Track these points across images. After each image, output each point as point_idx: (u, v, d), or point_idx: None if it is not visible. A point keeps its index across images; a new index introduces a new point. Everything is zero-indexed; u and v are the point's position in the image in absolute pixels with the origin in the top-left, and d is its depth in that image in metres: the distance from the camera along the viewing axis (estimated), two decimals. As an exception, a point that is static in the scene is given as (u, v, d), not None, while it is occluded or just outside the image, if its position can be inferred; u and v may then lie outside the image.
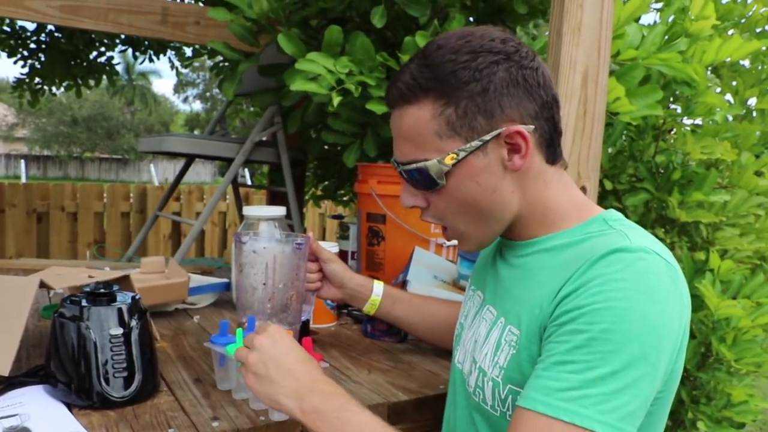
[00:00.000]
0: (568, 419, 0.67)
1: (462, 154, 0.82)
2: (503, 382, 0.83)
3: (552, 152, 0.86)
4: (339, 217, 2.17)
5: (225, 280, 1.73)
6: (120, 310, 1.02)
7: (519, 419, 0.72)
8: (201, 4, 3.39)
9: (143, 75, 32.72)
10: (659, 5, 1.68)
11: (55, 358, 1.01)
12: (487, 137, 0.81)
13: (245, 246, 1.18)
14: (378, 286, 1.26)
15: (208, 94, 32.71)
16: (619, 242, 0.75)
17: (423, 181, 0.86)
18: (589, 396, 0.68)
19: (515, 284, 0.88)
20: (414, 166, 0.85)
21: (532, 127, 0.82)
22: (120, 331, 1.01)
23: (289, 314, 1.22)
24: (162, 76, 38.28)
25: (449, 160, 0.82)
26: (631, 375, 0.68)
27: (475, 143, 0.81)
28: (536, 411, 0.70)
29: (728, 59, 1.56)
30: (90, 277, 1.27)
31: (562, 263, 0.80)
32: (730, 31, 1.84)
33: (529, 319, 0.80)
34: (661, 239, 1.53)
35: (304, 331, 1.32)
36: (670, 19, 1.57)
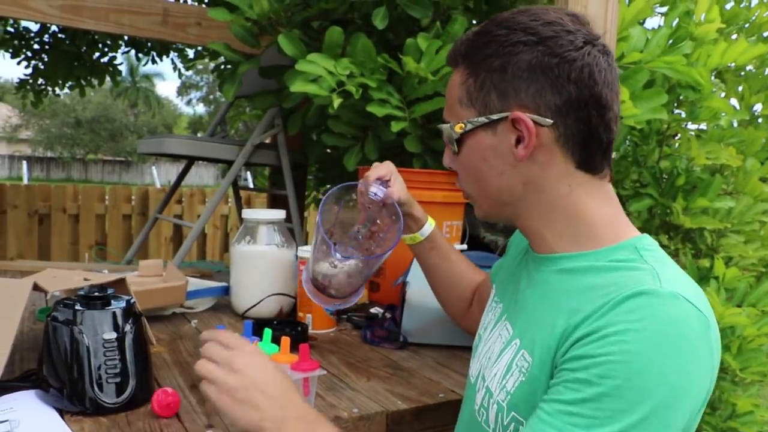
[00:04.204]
0: None
1: (469, 126, 0.83)
2: (507, 408, 0.78)
3: (585, 157, 0.79)
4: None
5: (224, 283, 1.71)
6: (114, 314, 1.00)
7: None
8: (204, 4, 3.38)
9: (147, 77, 32.87)
10: (664, 9, 1.67)
11: (47, 363, 0.99)
12: (495, 117, 0.80)
13: (371, 188, 1.07)
14: (428, 227, 1.20)
15: (211, 96, 32.84)
16: (648, 283, 0.69)
17: (447, 143, 0.89)
18: None
19: (534, 303, 0.82)
20: (440, 126, 0.89)
21: (550, 122, 0.77)
22: (114, 335, 0.99)
23: (354, 279, 1.10)
24: (166, 79, 38.37)
25: (458, 129, 0.84)
26: None
27: (482, 119, 0.81)
28: None
29: (733, 63, 1.55)
30: (85, 279, 1.25)
31: (583, 290, 0.74)
32: (734, 36, 1.83)
33: (541, 350, 0.75)
34: (664, 246, 1.51)
35: (302, 337, 1.31)
36: (675, 23, 1.56)
